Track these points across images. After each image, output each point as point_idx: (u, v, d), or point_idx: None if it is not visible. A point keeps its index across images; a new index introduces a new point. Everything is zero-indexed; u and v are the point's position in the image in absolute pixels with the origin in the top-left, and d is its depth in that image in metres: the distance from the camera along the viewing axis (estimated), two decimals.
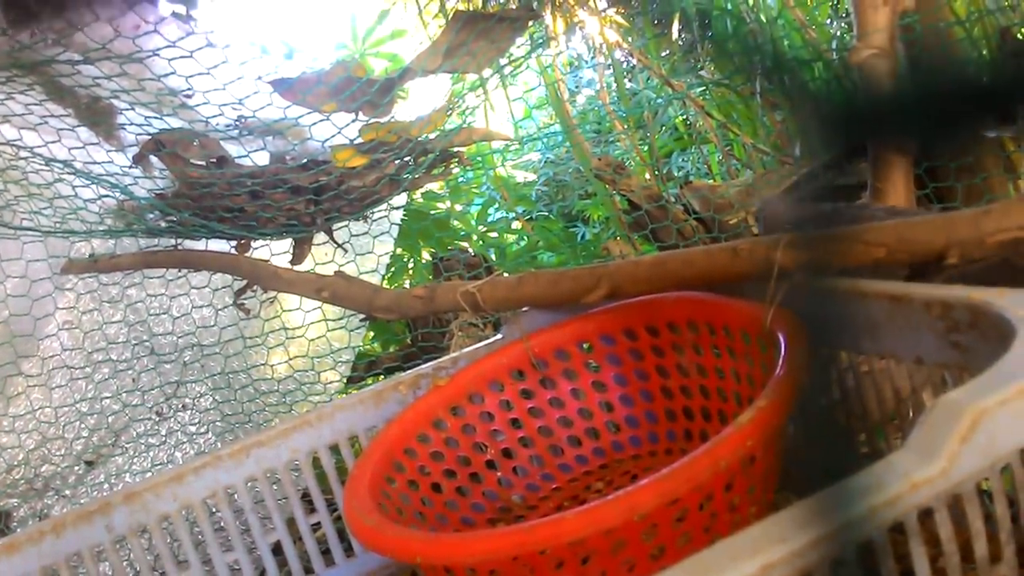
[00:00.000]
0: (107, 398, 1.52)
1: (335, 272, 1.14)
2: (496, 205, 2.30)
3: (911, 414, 0.74)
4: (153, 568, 0.94)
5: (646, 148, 2.12)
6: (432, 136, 1.27)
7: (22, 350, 1.45)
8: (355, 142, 1.21)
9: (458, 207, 2.24)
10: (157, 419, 1.56)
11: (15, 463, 1.45)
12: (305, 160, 1.24)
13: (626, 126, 2.15)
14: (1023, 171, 1.28)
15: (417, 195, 2.10)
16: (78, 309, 1.50)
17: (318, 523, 0.98)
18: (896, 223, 0.72)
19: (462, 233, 2.14)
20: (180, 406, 1.59)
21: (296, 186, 1.22)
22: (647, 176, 2.00)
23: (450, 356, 1.02)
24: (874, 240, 0.72)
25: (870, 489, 0.43)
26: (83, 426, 1.50)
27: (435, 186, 2.12)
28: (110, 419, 1.52)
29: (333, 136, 1.19)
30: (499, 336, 1.00)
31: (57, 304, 1.47)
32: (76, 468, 1.51)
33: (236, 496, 0.95)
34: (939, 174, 1.19)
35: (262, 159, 1.26)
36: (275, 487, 0.97)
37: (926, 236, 0.70)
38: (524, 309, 0.98)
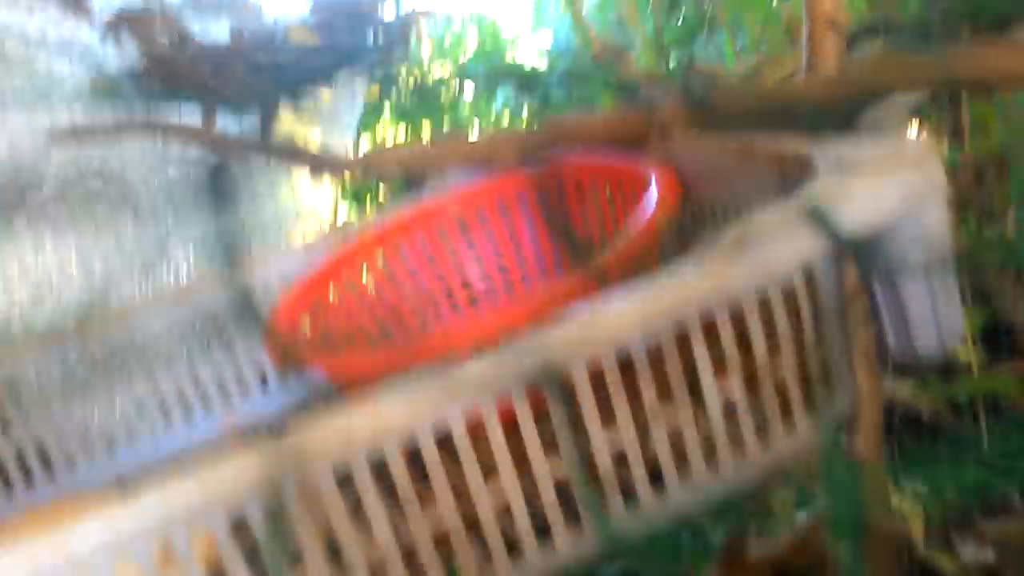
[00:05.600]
0: None
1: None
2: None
3: None
4: None
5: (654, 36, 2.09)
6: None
7: None
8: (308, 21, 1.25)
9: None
10: None
11: None
12: (263, 38, 1.29)
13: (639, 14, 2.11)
14: None
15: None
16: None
17: None
18: None
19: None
20: None
21: (256, 63, 1.26)
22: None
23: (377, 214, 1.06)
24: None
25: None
26: None
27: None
28: None
29: (286, 14, 1.23)
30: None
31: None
32: None
33: None
34: None
35: (224, 37, 1.30)
36: None
37: None
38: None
